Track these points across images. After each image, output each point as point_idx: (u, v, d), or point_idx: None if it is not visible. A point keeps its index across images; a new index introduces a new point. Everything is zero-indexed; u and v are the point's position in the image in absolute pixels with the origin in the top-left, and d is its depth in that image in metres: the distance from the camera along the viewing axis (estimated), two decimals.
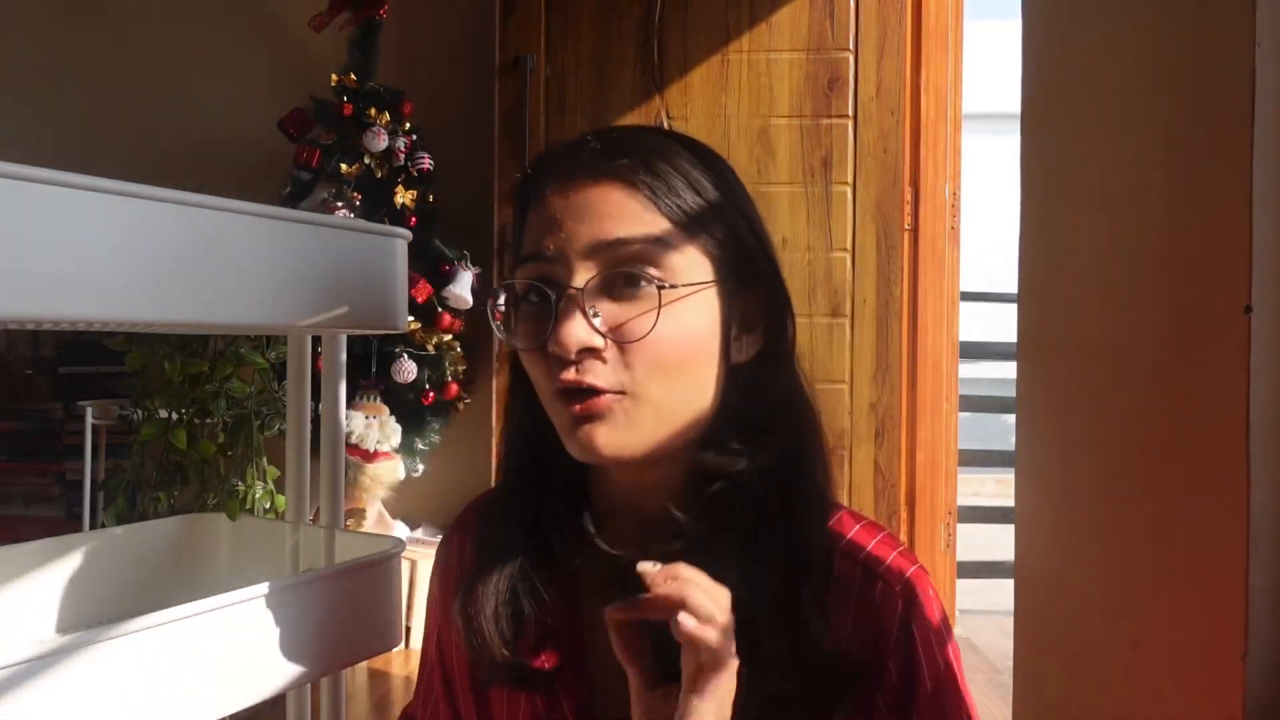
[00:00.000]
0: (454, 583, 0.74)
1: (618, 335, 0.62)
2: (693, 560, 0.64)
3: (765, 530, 0.65)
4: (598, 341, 0.62)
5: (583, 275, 0.63)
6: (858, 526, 0.70)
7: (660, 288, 0.62)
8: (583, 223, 0.63)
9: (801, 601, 0.64)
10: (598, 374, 0.63)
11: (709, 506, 0.66)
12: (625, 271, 0.63)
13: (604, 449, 0.63)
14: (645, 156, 0.65)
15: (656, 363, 0.63)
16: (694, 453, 0.67)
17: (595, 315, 0.62)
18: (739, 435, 0.66)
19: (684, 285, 0.63)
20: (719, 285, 0.65)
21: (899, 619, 0.67)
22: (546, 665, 0.69)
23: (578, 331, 0.62)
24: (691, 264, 0.64)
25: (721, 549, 0.64)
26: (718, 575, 0.62)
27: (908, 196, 2.69)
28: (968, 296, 3.01)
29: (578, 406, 0.63)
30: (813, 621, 0.65)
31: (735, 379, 0.67)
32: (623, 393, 0.63)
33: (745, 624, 0.61)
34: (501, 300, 0.69)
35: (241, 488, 1.79)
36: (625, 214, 0.63)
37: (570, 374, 0.63)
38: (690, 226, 0.64)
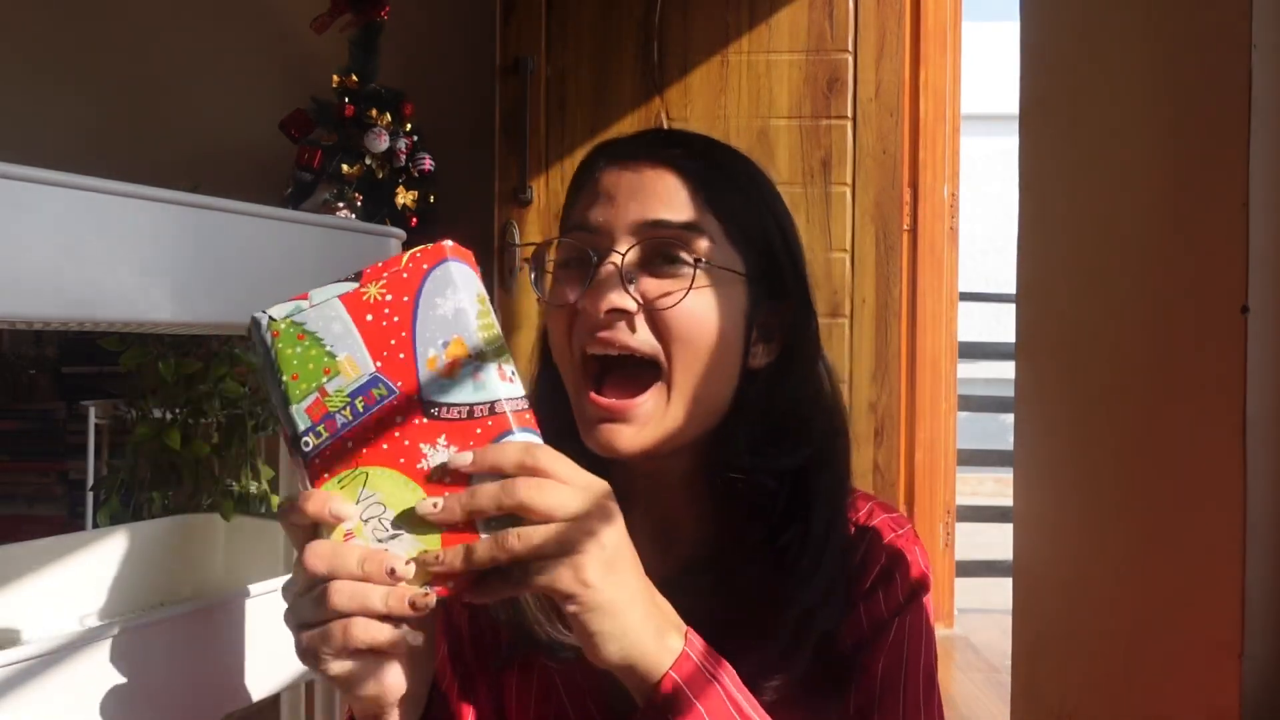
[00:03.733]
0: None
1: (651, 303, 0.66)
2: (705, 571, 0.67)
3: (773, 535, 0.68)
4: (630, 305, 0.66)
5: (625, 245, 0.66)
6: (854, 496, 0.75)
7: (696, 264, 0.66)
8: (633, 200, 0.67)
9: (815, 597, 0.67)
10: (629, 337, 0.66)
11: (722, 502, 0.69)
12: (664, 250, 0.67)
13: (625, 449, 0.66)
14: (703, 152, 0.70)
15: (685, 334, 0.66)
16: (705, 450, 0.70)
17: (631, 282, 0.66)
18: (754, 439, 0.69)
19: (716, 267, 0.67)
20: (749, 284, 0.69)
21: (881, 569, 0.71)
22: (566, 639, 0.70)
23: (612, 293, 0.65)
24: (726, 256, 0.69)
25: (734, 546, 0.68)
26: (731, 586, 0.65)
27: (907, 197, 2.69)
28: (966, 296, 3.01)
29: (605, 404, 0.66)
30: (826, 618, 0.67)
31: (751, 384, 0.70)
32: (653, 366, 0.66)
33: (760, 619, 0.64)
34: (547, 257, 0.73)
35: (236, 487, 1.79)
36: (674, 199, 0.67)
37: (600, 343, 0.66)
38: (730, 224, 0.69)
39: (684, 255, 0.67)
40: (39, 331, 2.68)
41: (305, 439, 0.55)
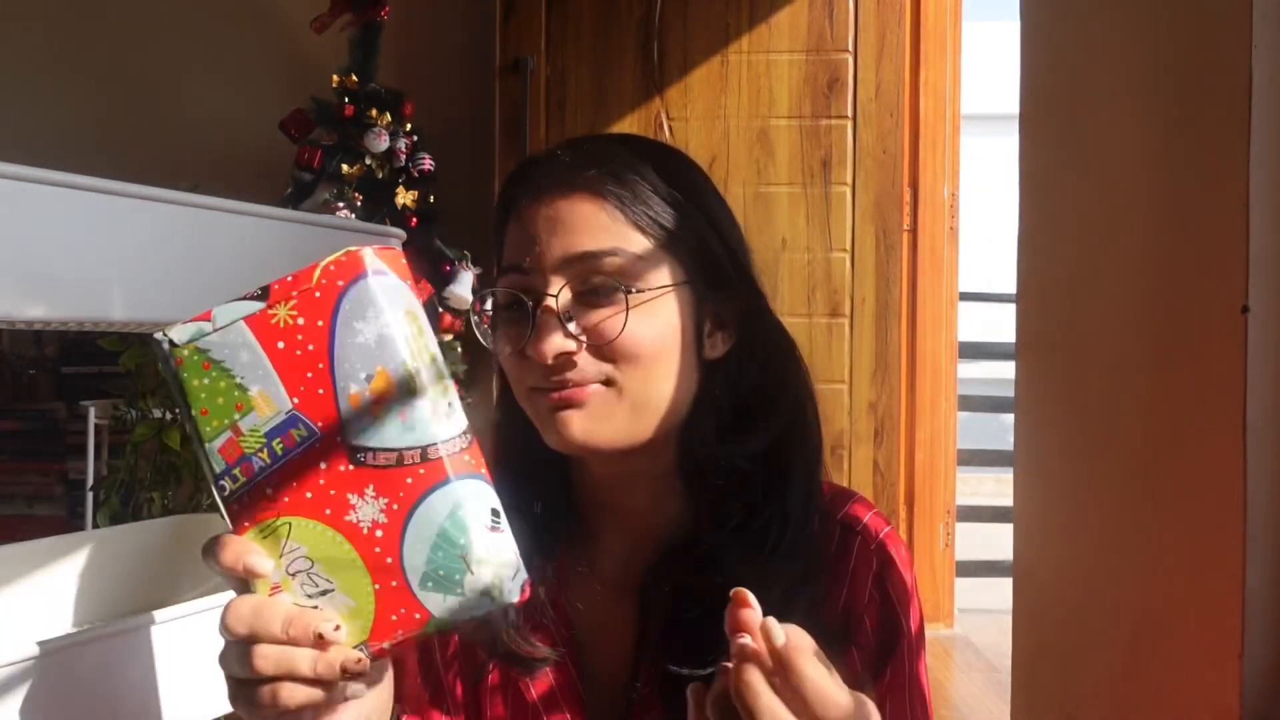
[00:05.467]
0: None
1: (592, 337, 0.66)
2: (682, 558, 0.68)
3: (752, 516, 0.69)
4: (572, 346, 0.66)
5: (556, 285, 0.67)
6: (834, 493, 0.76)
7: (627, 292, 0.66)
8: (555, 236, 0.67)
9: (796, 573, 0.68)
10: (578, 370, 0.66)
11: (698, 492, 0.70)
12: (596, 283, 0.67)
13: (579, 436, 0.66)
14: (613, 167, 0.69)
15: (631, 357, 0.67)
16: (675, 445, 0.71)
17: (570, 321, 0.66)
18: (721, 427, 0.70)
19: (650, 289, 0.68)
20: (688, 286, 0.70)
21: (874, 576, 0.71)
22: (538, 654, 0.70)
23: (554, 340, 0.66)
24: (659, 268, 0.69)
25: (713, 531, 0.69)
26: (709, 571, 0.66)
27: (907, 197, 2.69)
28: (966, 296, 3.01)
29: (556, 395, 0.67)
30: (809, 593, 0.68)
31: (712, 374, 0.71)
32: (606, 383, 0.67)
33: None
34: (487, 306, 0.73)
35: None
36: (594, 226, 0.67)
37: (554, 382, 0.67)
38: (656, 233, 0.69)
39: (613, 284, 0.67)
40: (39, 331, 2.68)
41: (222, 482, 0.50)
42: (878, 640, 0.70)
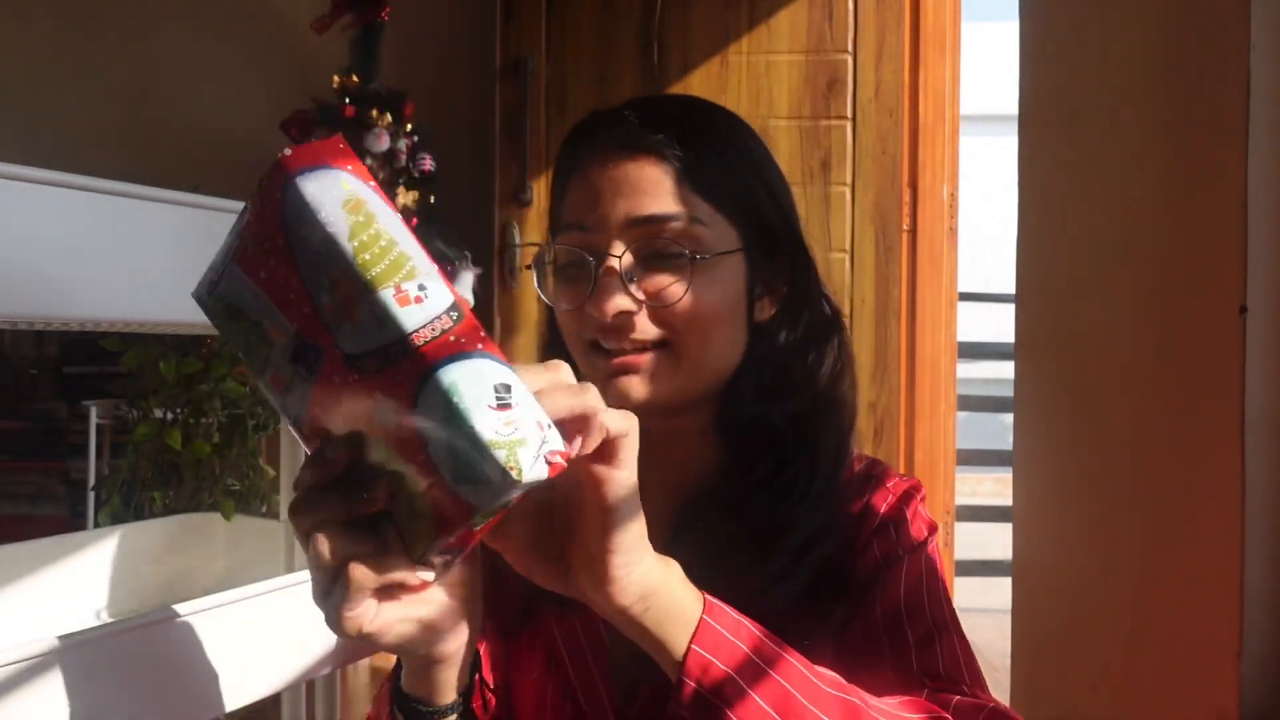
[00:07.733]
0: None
1: (654, 300, 0.68)
2: (713, 502, 0.70)
3: (782, 468, 0.71)
4: (632, 307, 0.68)
5: (620, 246, 0.68)
6: (873, 460, 0.80)
7: (694, 258, 0.68)
8: (620, 197, 0.68)
9: (816, 522, 0.70)
10: (637, 330, 0.68)
11: (735, 447, 0.72)
12: (659, 245, 0.68)
13: (638, 398, 0.68)
14: (679, 131, 0.70)
15: (690, 321, 0.68)
16: (717, 401, 0.73)
17: (632, 281, 0.68)
18: (761, 387, 0.72)
19: (713, 255, 0.69)
20: (744, 252, 0.71)
21: (887, 509, 0.75)
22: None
23: (615, 299, 0.67)
24: (719, 234, 0.70)
25: (742, 481, 0.71)
26: (737, 514, 0.69)
27: (906, 197, 2.69)
28: (966, 297, 3.01)
29: (616, 360, 0.68)
30: (826, 541, 0.70)
31: (759, 336, 0.73)
32: (663, 344, 0.69)
33: (764, 544, 0.68)
34: (546, 260, 0.75)
35: (237, 487, 1.79)
36: (659, 189, 0.69)
37: (612, 338, 0.68)
38: (718, 199, 0.70)
39: (678, 248, 0.68)
40: (40, 331, 2.69)
41: (285, 414, 0.51)
42: (883, 557, 0.72)
